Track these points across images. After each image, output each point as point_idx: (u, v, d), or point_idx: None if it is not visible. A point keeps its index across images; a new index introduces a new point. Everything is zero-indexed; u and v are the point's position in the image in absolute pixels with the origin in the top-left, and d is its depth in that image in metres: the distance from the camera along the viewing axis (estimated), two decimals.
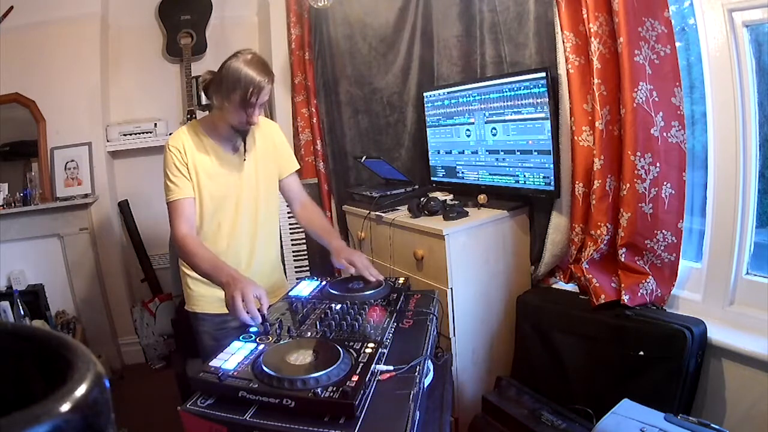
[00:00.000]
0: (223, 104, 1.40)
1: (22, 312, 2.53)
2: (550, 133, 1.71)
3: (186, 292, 1.60)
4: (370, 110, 2.64)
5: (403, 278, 1.49)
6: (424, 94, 2.27)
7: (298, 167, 1.71)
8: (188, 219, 1.45)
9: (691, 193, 1.59)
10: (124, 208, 3.09)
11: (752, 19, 1.38)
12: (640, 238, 1.55)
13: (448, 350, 1.78)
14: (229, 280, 1.26)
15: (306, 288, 1.45)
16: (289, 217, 2.58)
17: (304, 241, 2.64)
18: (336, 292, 1.38)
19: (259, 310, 1.20)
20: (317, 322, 1.17)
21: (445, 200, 2.04)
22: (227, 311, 1.33)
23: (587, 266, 1.66)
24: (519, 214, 1.96)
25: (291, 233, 2.63)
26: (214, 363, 0.97)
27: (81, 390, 0.29)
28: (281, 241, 2.62)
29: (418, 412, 0.93)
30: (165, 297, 3.10)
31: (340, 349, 0.98)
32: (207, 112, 2.92)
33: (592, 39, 1.55)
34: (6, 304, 2.51)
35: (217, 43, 3.16)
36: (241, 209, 1.53)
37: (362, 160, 2.44)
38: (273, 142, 1.63)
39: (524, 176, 1.85)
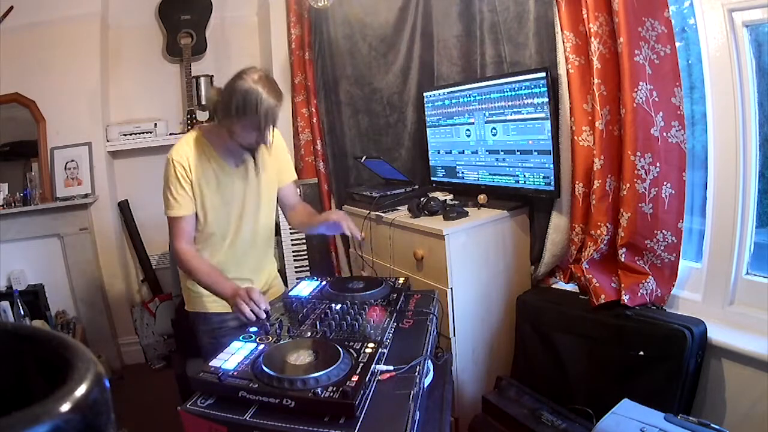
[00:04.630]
0: (234, 127, 1.34)
1: (22, 312, 2.53)
2: (550, 133, 1.71)
3: (186, 293, 1.60)
4: (370, 110, 2.64)
5: (403, 278, 1.49)
6: (424, 94, 2.27)
7: (296, 178, 1.71)
8: (188, 235, 1.46)
9: (691, 193, 1.59)
10: (124, 208, 3.09)
11: (752, 19, 1.38)
12: (640, 238, 1.55)
13: (448, 350, 1.78)
14: (232, 292, 1.31)
15: (306, 288, 1.45)
16: None
17: (304, 241, 2.64)
18: (336, 292, 1.38)
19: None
20: (317, 322, 1.17)
21: (445, 200, 2.04)
22: (227, 311, 1.37)
23: (587, 266, 1.66)
24: (519, 214, 1.96)
25: (291, 233, 2.63)
26: (214, 363, 0.98)
27: (81, 390, 0.29)
28: (281, 241, 2.63)
29: (418, 412, 0.93)
30: (165, 297, 3.10)
31: (340, 349, 0.98)
32: (207, 113, 2.93)
33: (592, 39, 1.55)
34: (6, 304, 2.51)
35: (217, 43, 3.16)
36: (243, 221, 1.53)
37: (362, 160, 2.44)
38: (274, 149, 1.60)
39: (524, 176, 1.85)
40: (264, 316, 1.25)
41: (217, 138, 1.46)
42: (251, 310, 1.25)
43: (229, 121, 1.34)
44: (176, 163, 1.42)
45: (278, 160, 1.62)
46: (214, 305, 1.53)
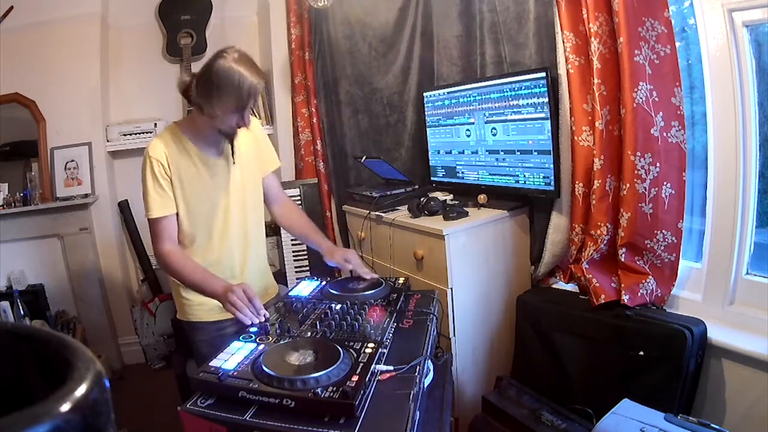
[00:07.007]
0: (214, 109, 1.28)
1: (22, 312, 2.53)
2: (550, 133, 1.71)
3: (179, 301, 1.53)
4: (370, 110, 2.64)
5: (403, 278, 1.49)
6: (424, 94, 2.27)
7: (280, 164, 1.66)
8: (171, 235, 1.40)
9: (691, 193, 1.59)
10: (124, 208, 3.09)
11: (752, 19, 1.38)
12: (640, 238, 1.55)
13: (448, 350, 1.78)
14: (224, 290, 1.26)
15: (306, 288, 1.45)
16: None
17: None
18: (336, 292, 1.38)
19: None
20: (317, 322, 1.17)
21: (445, 200, 2.04)
22: (224, 317, 1.34)
23: (587, 266, 1.66)
24: (519, 214, 1.96)
25: None
26: (214, 363, 0.98)
27: (81, 390, 0.29)
28: (281, 241, 2.63)
29: (418, 412, 0.93)
30: (165, 297, 3.09)
31: (340, 349, 0.98)
32: None
33: (592, 39, 1.55)
34: (6, 304, 2.51)
35: (217, 43, 3.14)
36: (231, 216, 1.47)
37: (362, 160, 2.44)
38: (255, 138, 1.55)
39: (524, 176, 1.85)
40: (263, 320, 1.21)
41: (193, 129, 1.40)
42: (249, 313, 1.21)
43: (209, 103, 1.28)
44: (153, 159, 1.36)
45: (259, 148, 1.57)
46: (210, 313, 1.47)
